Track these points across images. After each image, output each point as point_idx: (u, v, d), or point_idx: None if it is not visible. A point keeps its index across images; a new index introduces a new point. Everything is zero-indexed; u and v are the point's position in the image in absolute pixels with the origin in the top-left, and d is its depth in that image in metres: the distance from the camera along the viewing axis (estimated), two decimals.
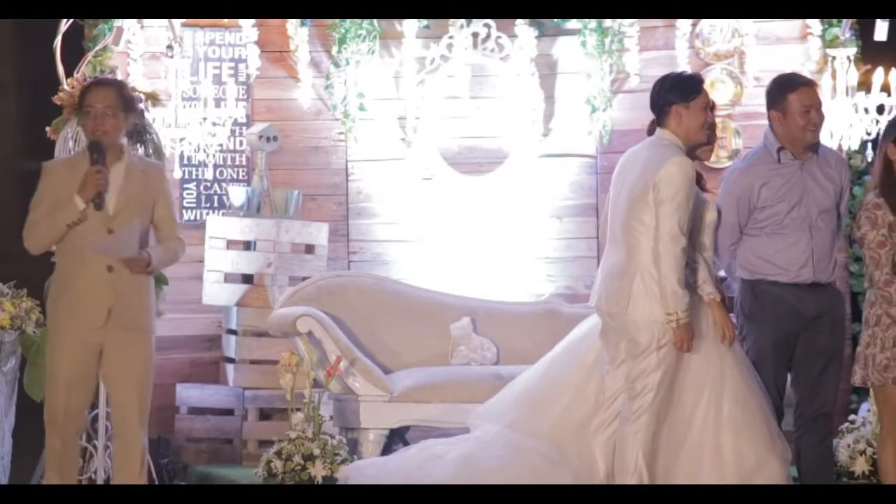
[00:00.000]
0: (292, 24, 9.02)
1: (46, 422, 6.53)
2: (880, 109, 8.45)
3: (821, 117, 6.79)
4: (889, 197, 6.60)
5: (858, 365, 6.66)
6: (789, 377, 6.88)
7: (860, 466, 7.72)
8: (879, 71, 8.38)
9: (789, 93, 6.75)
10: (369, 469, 7.22)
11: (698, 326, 6.59)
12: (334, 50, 9.02)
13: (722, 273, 6.95)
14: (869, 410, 7.70)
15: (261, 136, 8.76)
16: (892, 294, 6.57)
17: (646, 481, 6.51)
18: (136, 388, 6.52)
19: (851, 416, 8.00)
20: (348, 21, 8.89)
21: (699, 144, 6.70)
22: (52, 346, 6.53)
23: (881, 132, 7.22)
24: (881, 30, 8.48)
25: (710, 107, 6.73)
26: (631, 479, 6.52)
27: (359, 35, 8.97)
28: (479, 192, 9.14)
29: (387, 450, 7.84)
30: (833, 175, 6.80)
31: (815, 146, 6.81)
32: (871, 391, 6.90)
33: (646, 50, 9.08)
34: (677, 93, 6.64)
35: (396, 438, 8.10)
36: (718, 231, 6.76)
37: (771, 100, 6.81)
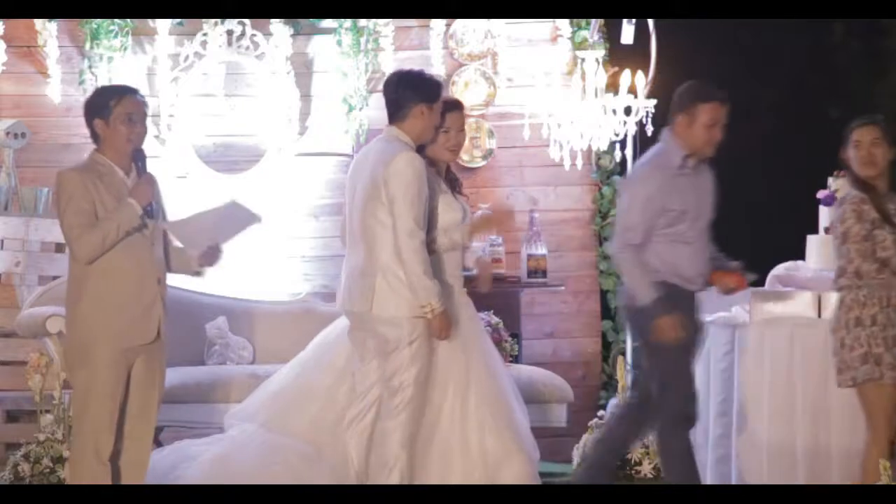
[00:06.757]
0: (40, 19, 8.84)
1: (86, 439, 6.28)
2: (627, 111, 8.64)
3: (720, 135, 6.70)
4: (869, 192, 6.49)
5: (867, 364, 6.46)
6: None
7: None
8: (626, 73, 8.57)
9: (701, 102, 6.67)
10: None
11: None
12: (86, 45, 8.87)
13: (468, 270, 6.98)
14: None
15: (8, 133, 8.61)
16: (887, 281, 6.45)
17: (406, 479, 6.53)
18: (160, 390, 6.46)
19: (600, 412, 8.17)
20: None
21: (425, 146, 6.69)
22: (89, 361, 6.27)
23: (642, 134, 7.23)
24: (627, 33, 8.68)
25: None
26: (392, 476, 6.52)
27: (110, 31, 8.83)
28: (234, 191, 9.07)
29: None
30: (711, 188, 6.79)
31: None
32: (862, 391, 6.55)
33: (401, 49, 9.15)
34: (424, 93, 6.66)
35: None
36: (618, 230, 6.69)
37: (679, 104, 6.72)
